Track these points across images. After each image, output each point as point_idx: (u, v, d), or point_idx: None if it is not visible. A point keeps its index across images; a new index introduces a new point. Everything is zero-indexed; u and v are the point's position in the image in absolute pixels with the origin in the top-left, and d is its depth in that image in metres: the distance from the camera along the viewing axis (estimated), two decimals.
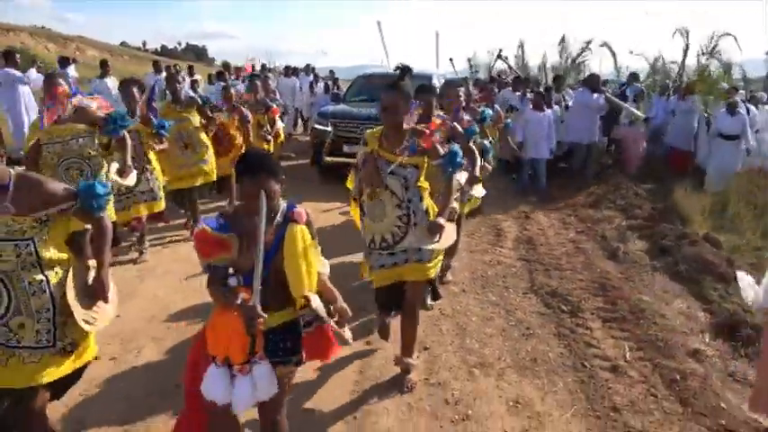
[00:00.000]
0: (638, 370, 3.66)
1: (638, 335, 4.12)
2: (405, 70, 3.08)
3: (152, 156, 5.13)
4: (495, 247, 6.07)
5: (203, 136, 5.89)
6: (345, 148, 8.11)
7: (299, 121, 13.93)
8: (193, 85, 11.34)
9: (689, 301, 4.75)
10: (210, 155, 5.92)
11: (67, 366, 2.21)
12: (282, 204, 2.15)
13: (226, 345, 2.07)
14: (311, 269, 2.10)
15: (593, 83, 8.89)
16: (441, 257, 3.27)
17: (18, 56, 8.94)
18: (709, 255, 5.41)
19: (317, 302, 2.12)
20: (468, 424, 3.01)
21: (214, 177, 5.99)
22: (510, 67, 11.49)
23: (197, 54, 70.59)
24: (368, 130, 3.18)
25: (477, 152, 4.10)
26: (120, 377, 3.40)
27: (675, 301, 4.75)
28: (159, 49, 71.68)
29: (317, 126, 8.87)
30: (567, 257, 5.83)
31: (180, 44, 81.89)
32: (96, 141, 4.15)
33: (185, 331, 3.93)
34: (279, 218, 2.12)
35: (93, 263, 2.40)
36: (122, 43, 70.88)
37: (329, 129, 8.43)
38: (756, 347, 3.87)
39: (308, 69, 14.43)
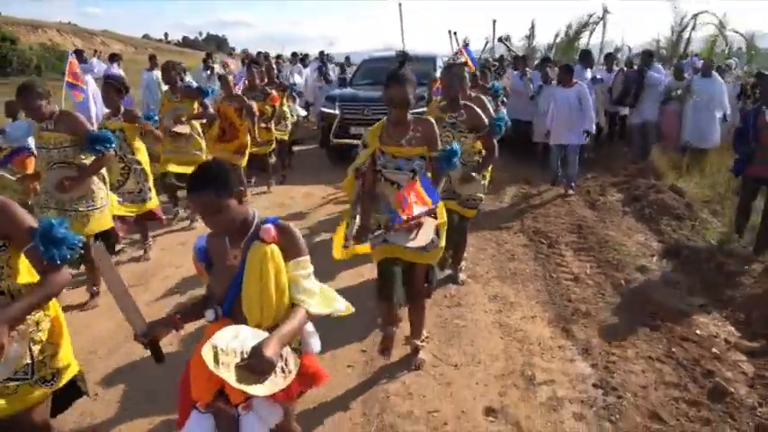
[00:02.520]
0: (594, 279, 4.79)
1: (599, 258, 5.24)
2: (404, 58, 3.22)
3: (140, 154, 4.91)
4: (495, 201, 7.18)
5: (198, 127, 5.95)
6: (352, 130, 8.47)
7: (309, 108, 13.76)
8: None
9: (647, 234, 5.85)
10: (203, 147, 5.94)
11: (44, 393, 2.08)
12: (257, 218, 1.94)
13: (210, 386, 1.84)
14: (275, 296, 1.86)
15: (585, 59, 9.42)
16: (443, 244, 3.21)
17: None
18: (671, 201, 6.48)
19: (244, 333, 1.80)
20: (458, 308, 4.19)
21: None
22: (509, 49, 11.95)
23: (218, 44, 72.25)
24: (368, 129, 3.13)
25: (496, 148, 4.11)
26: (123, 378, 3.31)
27: (636, 235, 5.85)
28: (181, 41, 73.77)
29: (324, 109, 9.25)
30: (554, 207, 6.93)
31: (201, 34, 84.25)
32: (83, 155, 3.97)
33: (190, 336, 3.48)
34: (249, 235, 1.90)
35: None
36: (145, 36, 72.72)
37: (336, 111, 8.82)
38: (693, 265, 4.98)
39: (322, 56, 14.50)
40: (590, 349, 3.62)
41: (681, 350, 3.60)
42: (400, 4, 8.85)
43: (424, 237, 2.93)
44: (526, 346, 3.65)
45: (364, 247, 3.22)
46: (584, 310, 4.18)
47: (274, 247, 1.85)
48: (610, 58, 10.27)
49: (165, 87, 10.60)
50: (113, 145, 4.04)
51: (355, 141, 7.25)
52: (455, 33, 8.96)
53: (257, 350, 1.71)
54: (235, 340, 1.73)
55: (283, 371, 1.79)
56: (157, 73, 10.72)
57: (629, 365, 3.43)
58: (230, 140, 6.39)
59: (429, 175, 3.11)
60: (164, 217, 5.41)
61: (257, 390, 1.70)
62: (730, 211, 6.01)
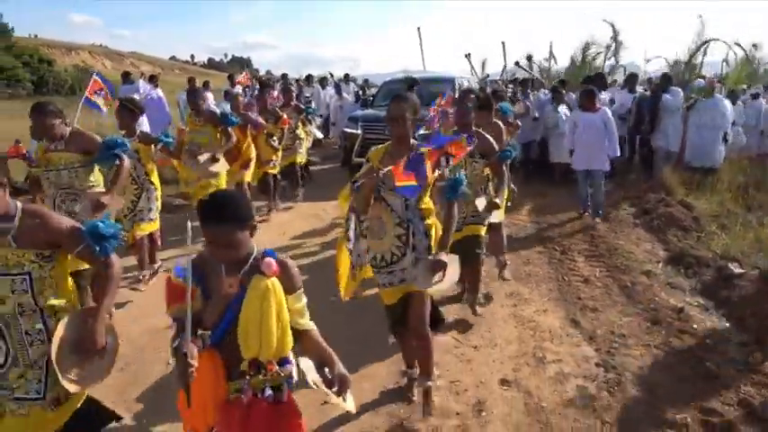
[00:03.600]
0: (602, 281, 5.24)
1: (608, 263, 5.68)
2: (413, 82, 3.33)
3: (153, 176, 4.96)
4: (514, 214, 7.64)
5: (221, 157, 5.80)
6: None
7: (330, 126, 13.73)
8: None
9: (654, 244, 6.27)
10: (223, 171, 5.89)
11: (58, 418, 2.09)
12: (255, 249, 1.93)
13: (207, 416, 1.88)
14: (276, 330, 1.88)
15: (598, 83, 9.46)
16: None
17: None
18: (679, 214, 6.90)
19: (306, 365, 1.93)
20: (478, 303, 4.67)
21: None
22: (526, 70, 12.31)
23: (242, 65, 74.26)
24: (372, 148, 3.12)
25: (506, 176, 4.13)
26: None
27: (644, 244, 6.28)
28: (206, 62, 76.21)
29: (347, 129, 9.65)
30: (570, 222, 7.37)
31: (226, 56, 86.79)
32: (93, 176, 3.95)
33: None
34: (248, 266, 1.89)
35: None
36: (171, 57, 75.06)
37: (359, 131, 9.17)
38: (695, 270, 5.40)
39: (347, 78, 15.11)
40: (595, 337, 4.07)
41: (677, 341, 4.03)
42: (419, 28, 9.57)
43: (448, 279, 2.87)
44: (538, 334, 4.12)
45: (367, 271, 3.21)
46: (592, 306, 4.63)
47: (275, 280, 1.87)
48: (633, 79, 10.14)
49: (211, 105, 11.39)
50: (128, 148, 4.02)
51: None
52: (469, 55, 9.50)
53: (342, 375, 1.94)
54: (311, 371, 1.91)
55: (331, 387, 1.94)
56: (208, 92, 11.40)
57: (629, 351, 3.88)
58: (235, 158, 6.41)
59: (426, 204, 2.98)
60: (158, 242, 5.32)
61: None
62: (736, 225, 6.40)
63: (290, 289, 1.94)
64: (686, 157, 8.43)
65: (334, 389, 1.90)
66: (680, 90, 8.87)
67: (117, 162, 3.88)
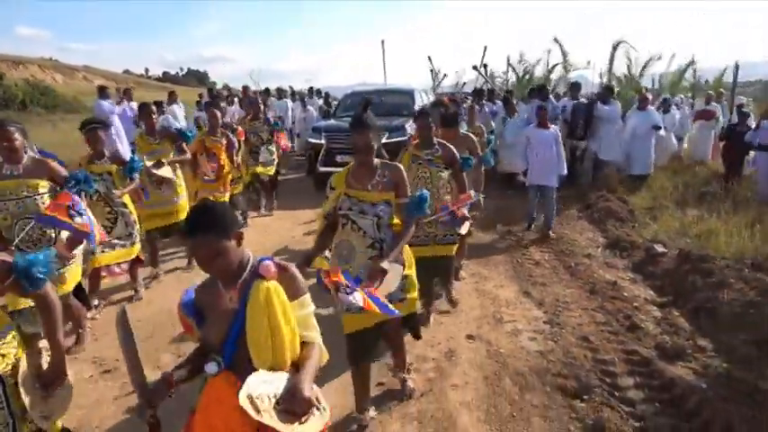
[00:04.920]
0: (550, 263, 6.07)
1: (555, 249, 6.54)
2: (366, 102, 3.27)
3: (126, 197, 4.79)
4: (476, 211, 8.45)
5: (178, 170, 5.64)
6: (338, 158, 9.08)
7: (295, 138, 13.73)
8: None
9: (595, 233, 7.19)
10: (184, 190, 5.67)
11: None
12: (251, 257, 1.88)
13: None
14: (287, 335, 1.79)
15: (541, 93, 9.91)
16: (415, 294, 3.10)
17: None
18: (617, 207, 7.86)
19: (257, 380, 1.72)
20: None
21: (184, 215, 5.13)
22: (483, 76, 12.88)
23: (198, 79, 73.61)
24: (333, 175, 3.07)
25: (466, 184, 4.22)
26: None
27: (587, 233, 7.19)
28: (161, 76, 75.20)
29: (310, 140, 9.88)
30: (523, 215, 8.21)
31: (182, 69, 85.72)
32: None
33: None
34: (245, 275, 1.84)
35: (45, 344, 2.21)
36: (125, 71, 73.90)
37: (323, 141, 9.48)
38: (628, 252, 6.30)
39: (311, 91, 15.51)
40: (543, 304, 4.87)
41: (610, 304, 4.87)
42: (383, 42, 10.10)
43: (386, 287, 2.74)
44: (496, 302, 4.90)
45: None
46: (541, 282, 5.45)
47: (276, 283, 1.79)
48: (575, 87, 10.47)
49: (181, 119, 11.56)
50: (93, 187, 3.87)
51: (341, 169, 7.98)
52: (430, 58, 10.13)
53: (294, 391, 1.67)
54: (263, 385, 1.67)
55: (318, 409, 1.75)
56: (176, 107, 11.56)
57: (570, 313, 4.69)
58: (217, 178, 6.28)
59: (394, 222, 2.98)
60: (143, 259, 5.20)
61: (305, 431, 1.66)
62: (666, 216, 7.37)
63: (293, 295, 1.85)
64: (622, 164, 9.22)
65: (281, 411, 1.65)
66: (618, 103, 9.60)
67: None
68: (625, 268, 5.88)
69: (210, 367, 1.78)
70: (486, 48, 12.12)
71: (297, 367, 1.84)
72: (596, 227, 7.44)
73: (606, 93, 9.65)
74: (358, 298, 2.42)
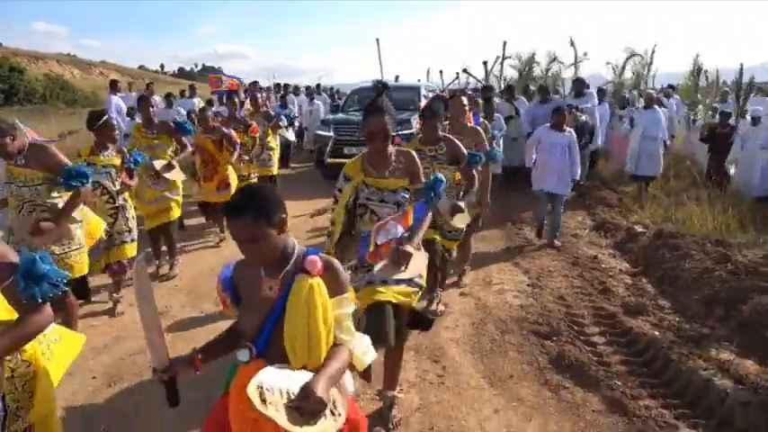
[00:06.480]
0: (540, 241, 6.76)
1: (547, 230, 7.21)
2: (382, 87, 2.93)
3: (127, 192, 4.67)
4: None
5: (176, 164, 5.47)
6: (345, 151, 9.36)
7: (304, 131, 13.85)
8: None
9: (585, 217, 7.87)
10: (180, 186, 5.53)
11: None
12: (297, 248, 1.81)
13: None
14: (324, 335, 1.73)
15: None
16: (423, 286, 2.95)
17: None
18: (607, 195, 8.53)
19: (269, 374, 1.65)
20: None
21: (179, 213, 5.65)
22: (474, 77, 12.96)
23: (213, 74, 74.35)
24: (347, 163, 2.99)
25: (477, 179, 4.10)
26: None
27: (577, 217, 7.88)
28: (177, 72, 76.32)
29: (319, 132, 10.29)
30: (520, 201, 8.87)
31: (196, 66, 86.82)
32: (56, 191, 3.58)
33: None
34: (289, 266, 1.77)
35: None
36: (140, 66, 75.13)
37: (331, 134, 9.88)
38: (612, 233, 6.97)
39: (318, 88, 15.92)
40: (529, 271, 5.59)
41: (588, 272, 5.57)
42: (378, 40, 10.06)
43: (413, 269, 2.73)
44: (487, 268, 5.60)
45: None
46: (530, 256, 6.15)
47: (320, 280, 1.74)
48: (542, 90, 10.23)
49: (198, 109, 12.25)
50: (89, 181, 3.62)
51: (348, 161, 7.81)
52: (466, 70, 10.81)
53: (307, 389, 1.60)
54: (281, 378, 1.65)
55: (333, 413, 1.70)
56: (196, 100, 12.19)
57: (552, 279, 5.40)
58: (211, 177, 6.19)
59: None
60: (129, 270, 4.68)
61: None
62: (653, 204, 8.01)
63: (334, 292, 1.79)
64: (630, 166, 8.91)
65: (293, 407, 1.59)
66: (606, 103, 10.40)
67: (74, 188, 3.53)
68: (607, 246, 6.56)
69: (243, 354, 1.73)
70: (505, 43, 12.45)
71: None
72: (586, 212, 8.11)
73: (579, 85, 9.80)
74: (399, 230, 2.75)
